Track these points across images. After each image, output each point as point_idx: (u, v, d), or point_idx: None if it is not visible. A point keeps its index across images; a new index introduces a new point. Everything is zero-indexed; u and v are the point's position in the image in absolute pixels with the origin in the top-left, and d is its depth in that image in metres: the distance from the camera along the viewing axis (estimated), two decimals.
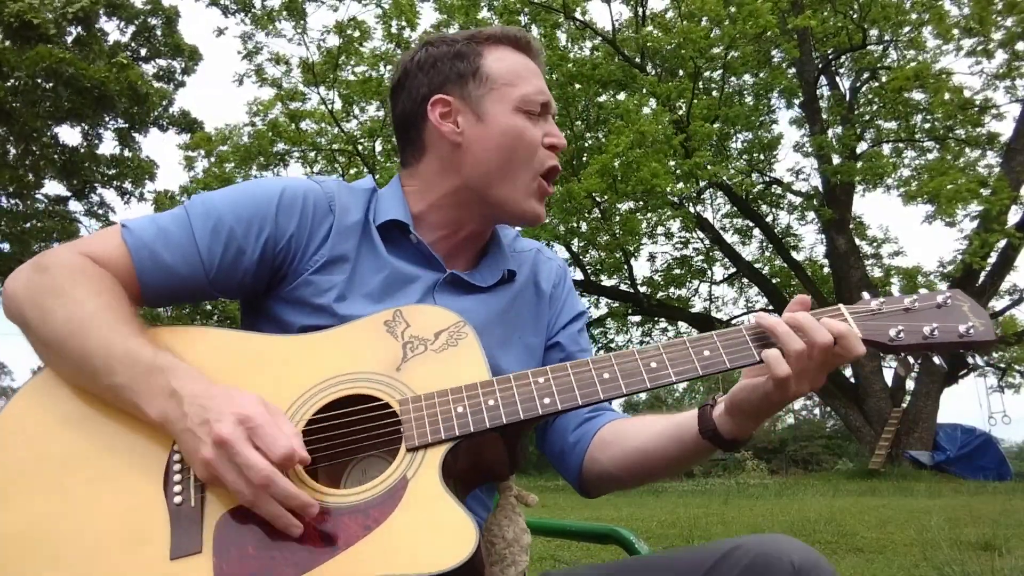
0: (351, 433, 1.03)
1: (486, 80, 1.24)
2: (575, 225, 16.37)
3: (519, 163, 1.24)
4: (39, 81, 16.68)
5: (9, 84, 16.65)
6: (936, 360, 1.10)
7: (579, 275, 18.20)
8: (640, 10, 17.25)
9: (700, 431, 1.14)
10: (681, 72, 16.16)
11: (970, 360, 1.12)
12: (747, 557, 0.97)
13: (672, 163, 14.96)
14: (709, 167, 15.08)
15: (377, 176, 15.32)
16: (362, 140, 16.87)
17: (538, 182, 1.27)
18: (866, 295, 1.12)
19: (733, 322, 19.52)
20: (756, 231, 20.16)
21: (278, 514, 0.93)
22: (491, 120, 1.23)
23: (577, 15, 16.36)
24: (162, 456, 1.00)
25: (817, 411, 35.98)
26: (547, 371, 1.07)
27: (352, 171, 17.27)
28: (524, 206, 1.26)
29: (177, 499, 0.97)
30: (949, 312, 1.08)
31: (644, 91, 15.71)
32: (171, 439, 1.01)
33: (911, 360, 1.09)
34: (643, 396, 27.96)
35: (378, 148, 17.16)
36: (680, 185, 15.35)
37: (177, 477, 0.98)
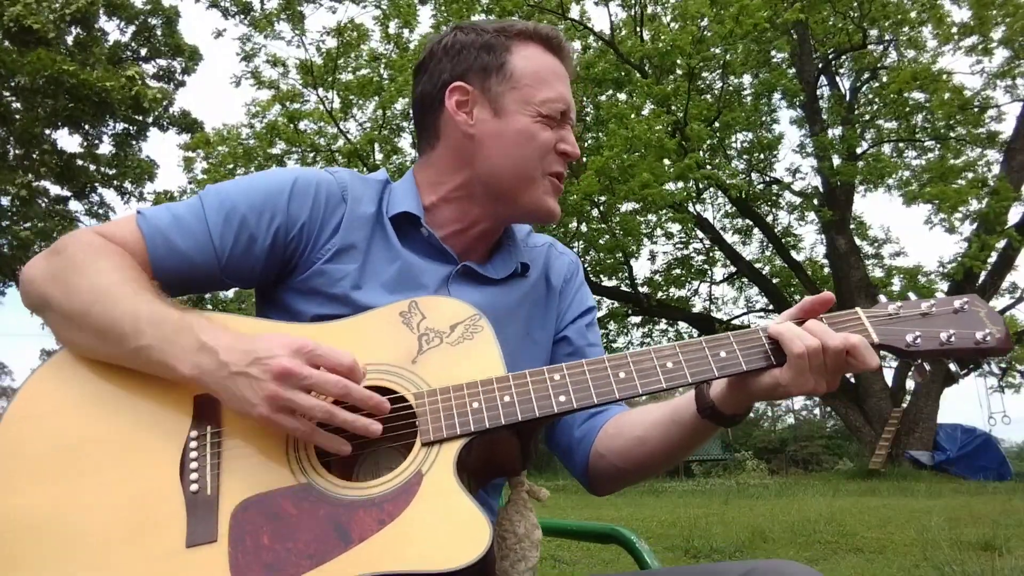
0: None
1: (509, 77, 1.22)
2: (576, 227, 16.33)
3: (529, 163, 1.23)
4: (40, 85, 16.63)
5: (10, 87, 16.61)
6: (952, 367, 1.09)
7: None
8: (637, 11, 17.20)
9: (698, 409, 1.14)
10: (679, 72, 16.09)
11: (985, 368, 1.11)
12: None
13: (667, 164, 14.88)
14: (706, 167, 15.02)
15: None
16: (362, 145, 16.82)
17: (549, 180, 1.26)
18: (883, 299, 1.12)
19: (733, 322, 19.52)
20: (756, 231, 20.14)
21: (354, 419, 0.96)
22: (507, 119, 1.22)
23: (574, 15, 16.33)
24: (179, 441, 1.00)
25: (817, 411, 36.04)
26: (563, 368, 1.06)
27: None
28: (538, 203, 1.26)
29: (193, 487, 0.97)
30: (966, 318, 1.06)
31: (637, 93, 15.65)
32: (188, 425, 1.01)
33: (927, 367, 1.08)
34: None
35: (377, 148, 17.12)
36: (673, 187, 15.26)
37: (194, 464, 0.98)
